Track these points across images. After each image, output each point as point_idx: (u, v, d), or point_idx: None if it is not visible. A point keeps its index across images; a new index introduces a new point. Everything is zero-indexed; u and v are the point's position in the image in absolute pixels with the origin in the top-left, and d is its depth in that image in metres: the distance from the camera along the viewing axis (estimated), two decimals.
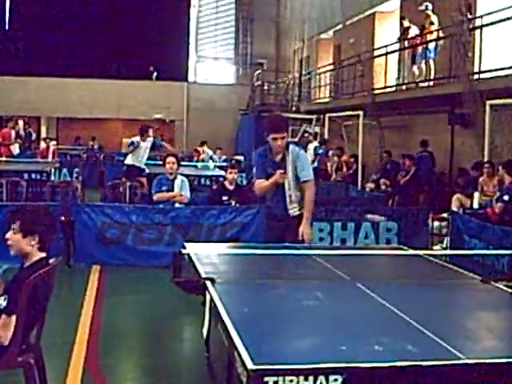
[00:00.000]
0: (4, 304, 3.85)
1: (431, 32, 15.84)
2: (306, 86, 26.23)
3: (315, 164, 20.00)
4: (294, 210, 6.43)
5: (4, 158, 17.79)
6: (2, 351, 3.84)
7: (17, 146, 19.62)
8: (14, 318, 3.82)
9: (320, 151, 19.45)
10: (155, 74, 31.54)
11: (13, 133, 19.88)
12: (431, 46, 15.86)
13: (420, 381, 2.92)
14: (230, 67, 35.55)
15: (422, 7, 15.87)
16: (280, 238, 6.39)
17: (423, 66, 16.03)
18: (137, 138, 13.50)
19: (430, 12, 15.76)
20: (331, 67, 24.14)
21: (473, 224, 9.21)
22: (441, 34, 15.72)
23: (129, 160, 13.62)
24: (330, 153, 19.00)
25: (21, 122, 22.52)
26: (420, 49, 16.27)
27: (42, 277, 3.94)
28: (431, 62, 15.79)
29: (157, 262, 8.78)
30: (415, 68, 16.30)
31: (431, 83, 15.61)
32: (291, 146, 6.46)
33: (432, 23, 15.70)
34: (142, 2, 32.69)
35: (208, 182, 15.75)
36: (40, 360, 4.19)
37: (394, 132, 18.61)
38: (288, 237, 6.39)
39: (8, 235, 4.03)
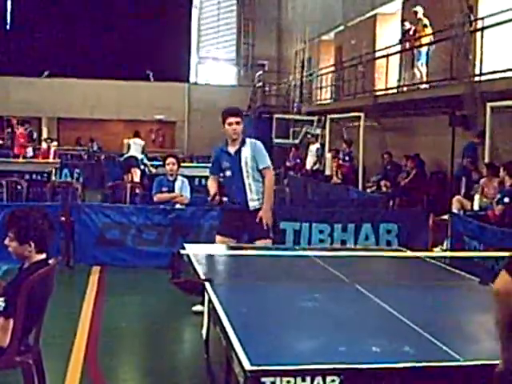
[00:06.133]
0: (3, 305, 3.85)
1: (425, 35, 15.85)
2: (307, 87, 26.22)
3: (317, 165, 20.00)
4: (254, 203, 6.59)
5: (4, 159, 17.81)
6: (0, 352, 3.83)
7: (31, 149, 19.66)
8: (11, 320, 3.80)
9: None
10: (151, 74, 31.48)
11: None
12: (423, 49, 15.90)
13: (417, 382, 2.93)
14: (231, 68, 35.53)
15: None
16: (237, 233, 6.70)
17: (415, 69, 16.09)
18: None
19: (420, 15, 15.81)
20: (332, 68, 24.13)
21: (473, 226, 9.18)
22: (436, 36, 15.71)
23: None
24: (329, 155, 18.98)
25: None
26: (415, 51, 16.31)
27: (40, 278, 3.93)
28: (420, 65, 15.84)
29: (157, 262, 8.76)
30: (416, 70, 16.32)
31: (429, 85, 15.61)
32: (248, 139, 6.76)
33: (425, 26, 15.71)
34: (143, 2, 32.67)
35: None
36: (39, 361, 4.17)
37: (395, 133, 18.58)
38: (249, 233, 6.65)
39: (6, 242, 4.03)
